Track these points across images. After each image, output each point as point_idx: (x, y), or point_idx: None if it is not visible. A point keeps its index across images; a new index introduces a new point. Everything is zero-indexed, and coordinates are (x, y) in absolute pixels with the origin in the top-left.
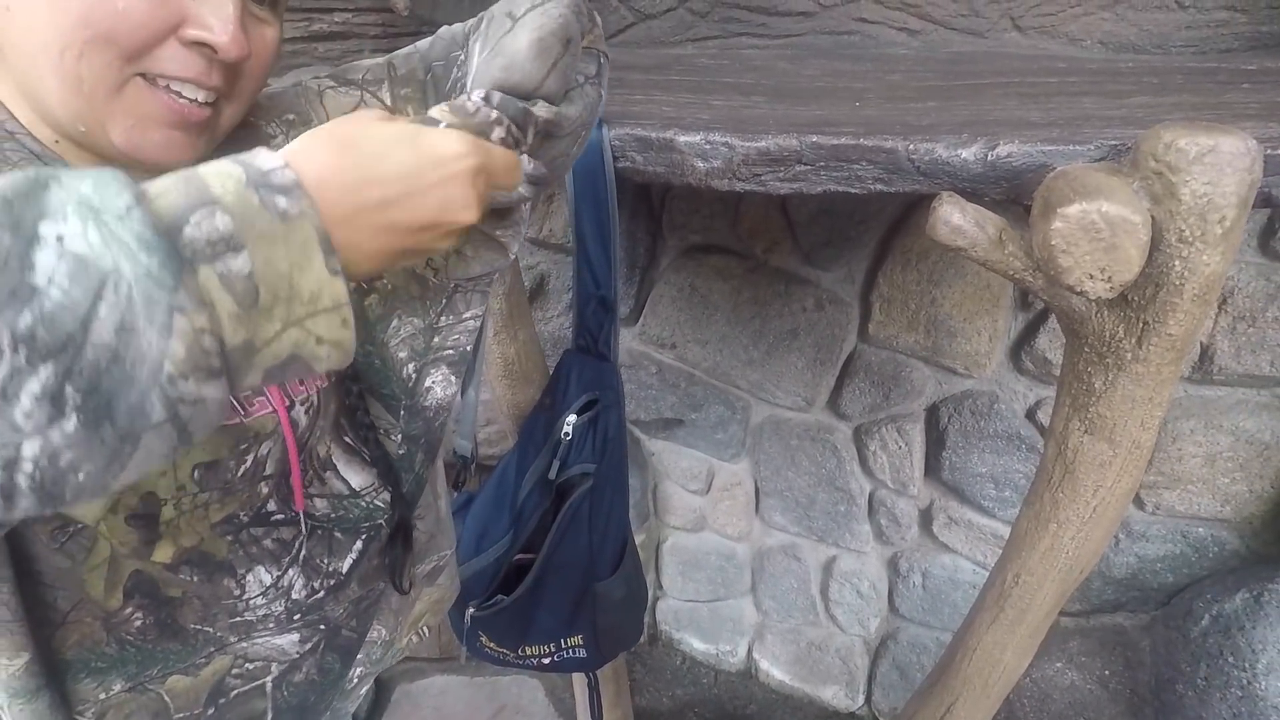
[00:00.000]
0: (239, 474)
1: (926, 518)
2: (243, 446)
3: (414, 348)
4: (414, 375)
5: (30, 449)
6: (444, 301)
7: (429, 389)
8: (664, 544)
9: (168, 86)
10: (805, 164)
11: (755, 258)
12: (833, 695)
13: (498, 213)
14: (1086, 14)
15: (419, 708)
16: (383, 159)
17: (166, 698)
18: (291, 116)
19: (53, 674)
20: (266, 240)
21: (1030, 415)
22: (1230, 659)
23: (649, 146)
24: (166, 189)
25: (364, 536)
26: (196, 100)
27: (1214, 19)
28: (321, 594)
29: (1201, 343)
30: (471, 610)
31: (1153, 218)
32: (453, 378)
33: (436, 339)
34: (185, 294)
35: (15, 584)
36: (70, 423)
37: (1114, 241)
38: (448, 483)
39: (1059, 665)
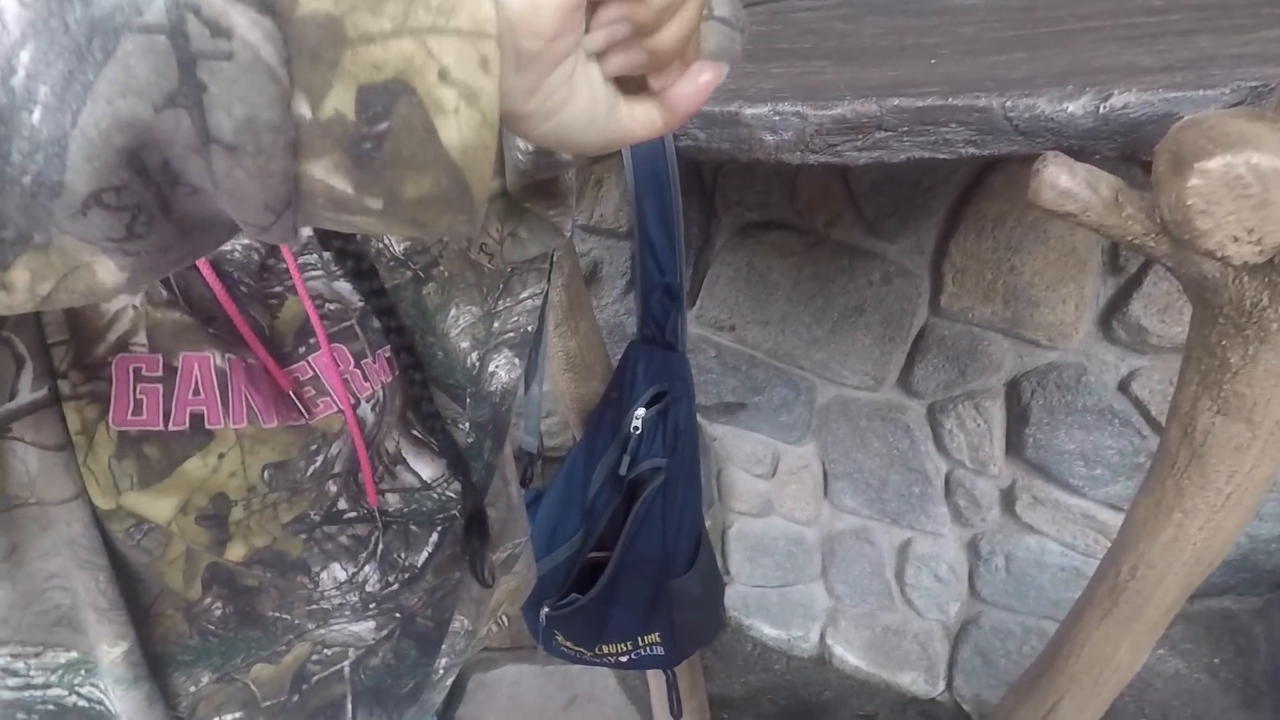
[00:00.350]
0: (308, 474)
1: (1009, 498)
2: (312, 448)
3: (475, 336)
4: (477, 363)
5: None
6: (501, 286)
7: (493, 374)
8: (730, 530)
9: None
10: (887, 130)
11: (815, 232)
12: (911, 681)
13: (549, 194)
14: None
15: (494, 697)
16: None
17: (253, 687)
18: None
19: (150, 665)
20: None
21: (1124, 387)
22: None
23: (712, 122)
24: None
25: (439, 529)
26: None
27: None
28: (396, 587)
29: None
30: (546, 610)
31: None
32: (516, 360)
33: (496, 324)
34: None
35: (111, 572)
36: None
37: (1265, 198)
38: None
39: (1160, 652)
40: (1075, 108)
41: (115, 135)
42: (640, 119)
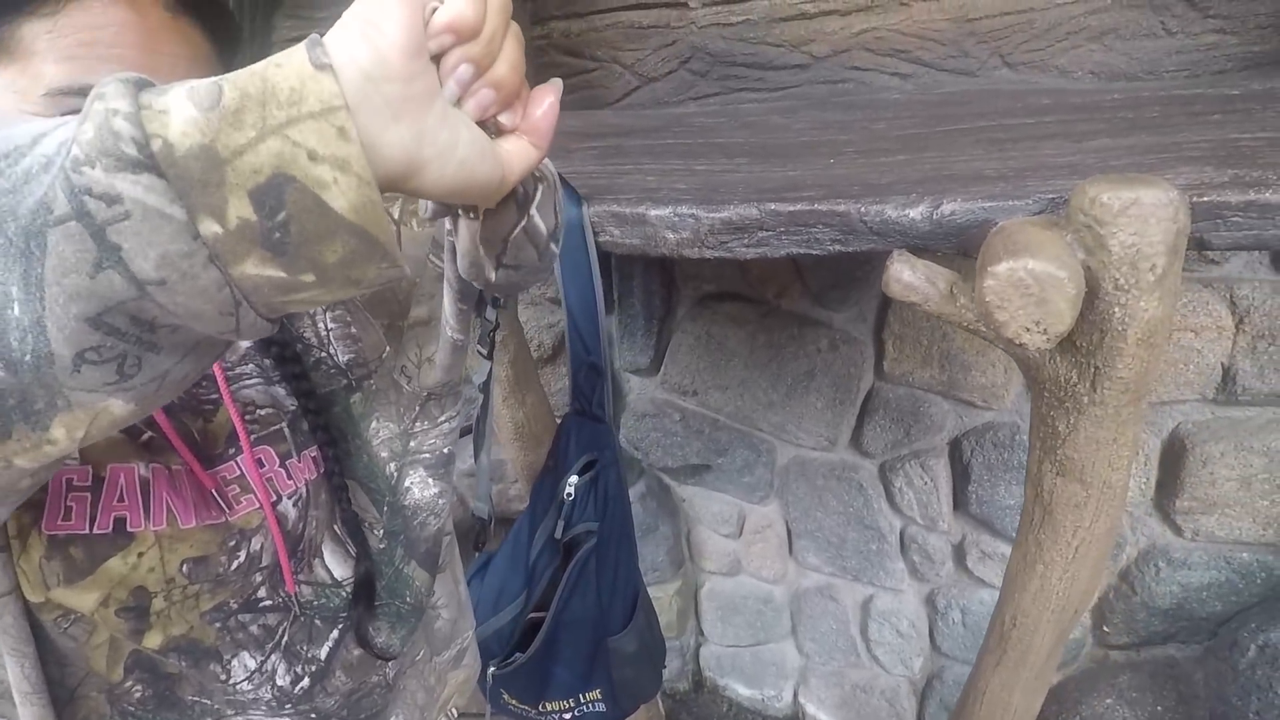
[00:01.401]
0: (231, 568)
1: (960, 553)
2: (231, 544)
3: (393, 449)
4: (395, 474)
5: None
6: (417, 408)
7: (408, 488)
8: (701, 589)
9: None
10: (767, 230)
11: (767, 303)
12: None
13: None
14: (1075, 46)
15: None
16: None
17: None
18: None
19: None
20: (300, 117)
21: None
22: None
23: (624, 221)
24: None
25: (340, 626)
26: None
27: (1203, 42)
28: (306, 682)
29: (1223, 364)
30: (493, 669)
31: (1088, 267)
32: (430, 480)
33: (413, 443)
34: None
35: (36, 659)
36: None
37: (1043, 296)
38: (472, 545)
39: (1109, 701)
40: (915, 213)
41: (72, 306)
42: (516, 153)
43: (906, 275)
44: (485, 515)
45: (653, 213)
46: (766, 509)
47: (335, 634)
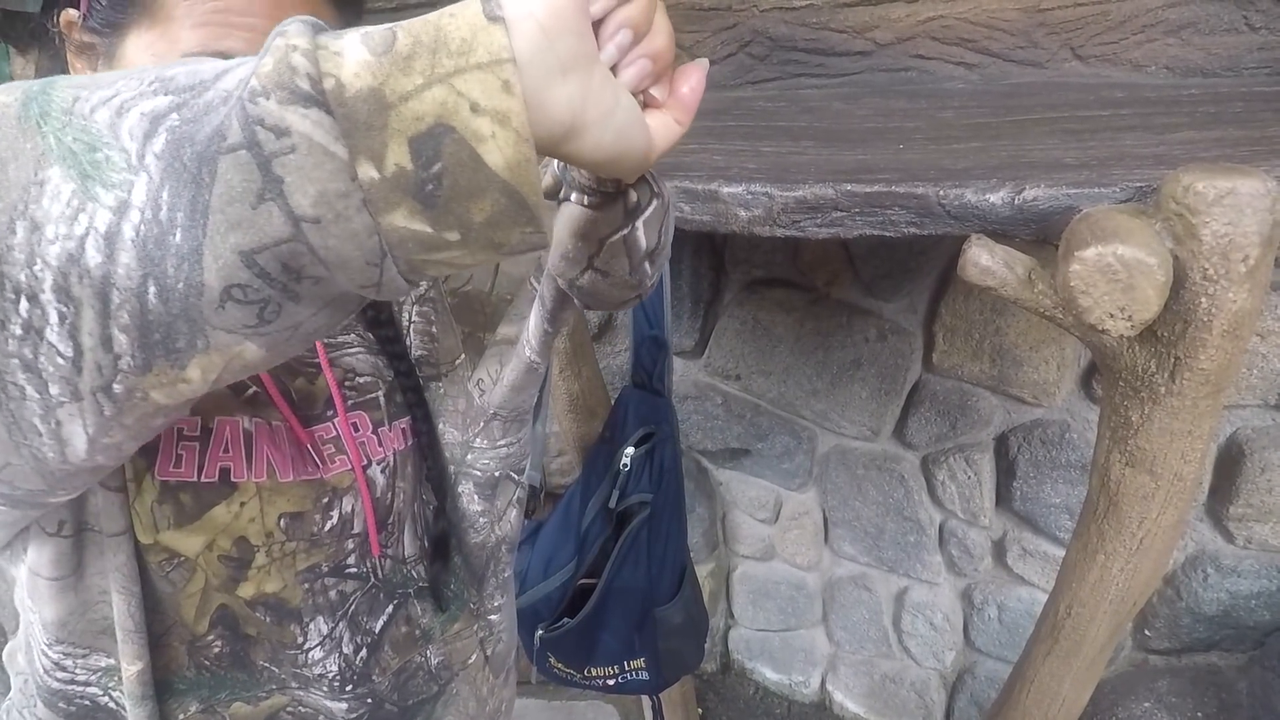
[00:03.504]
0: (325, 529)
1: (1000, 549)
2: (324, 500)
3: (452, 454)
4: (452, 476)
5: (139, 194)
6: (481, 424)
7: (459, 494)
8: (734, 573)
9: None
10: (841, 210)
11: (816, 290)
12: None
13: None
14: (1150, 40)
15: None
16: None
17: None
18: None
19: (155, 687)
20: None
21: None
22: None
23: (696, 198)
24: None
25: (395, 602)
26: None
27: None
28: (365, 654)
29: None
30: (540, 632)
31: (1176, 257)
32: (476, 496)
33: (469, 455)
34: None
35: (140, 599)
36: (159, 141)
37: (1131, 282)
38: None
39: (1147, 705)
40: (995, 198)
41: (230, 236)
42: (661, 128)
43: (985, 259)
44: (537, 484)
45: (725, 190)
46: (804, 496)
47: (390, 608)
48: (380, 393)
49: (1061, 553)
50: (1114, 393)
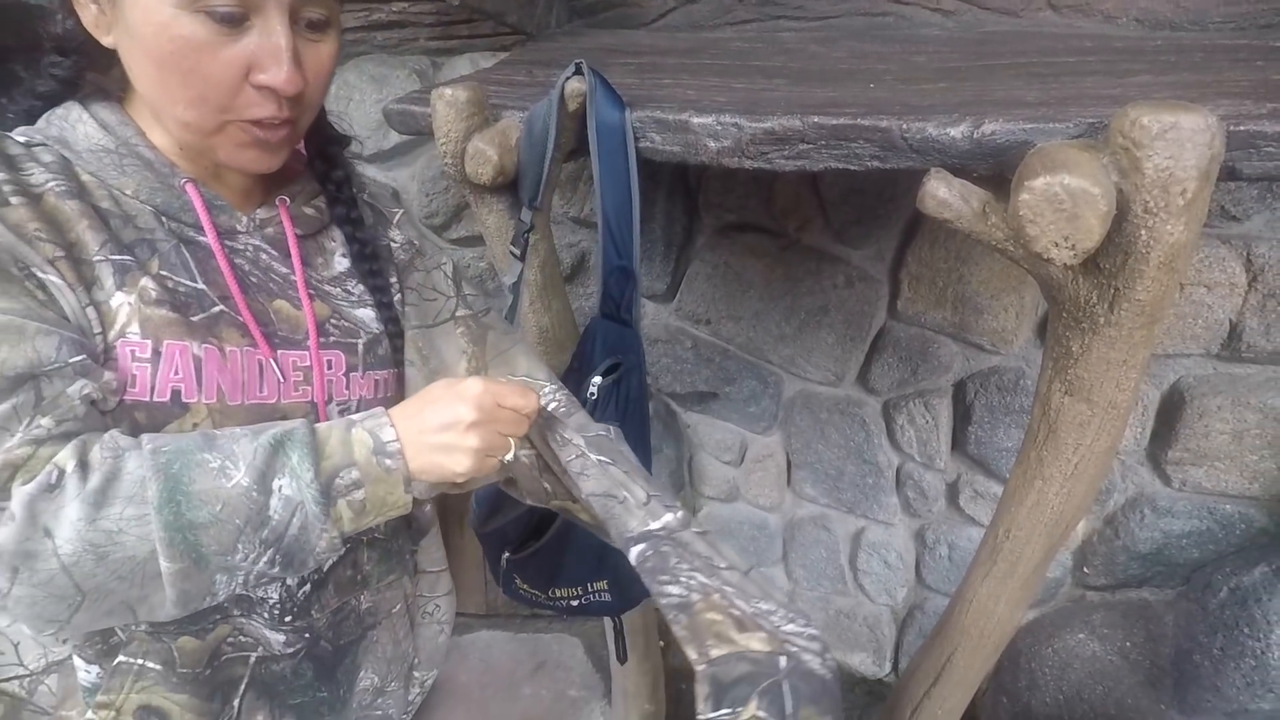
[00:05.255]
0: None
1: (953, 491)
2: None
3: None
4: None
5: (254, 575)
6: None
7: None
8: (699, 513)
9: (252, 122)
10: (808, 143)
11: (788, 236)
12: (860, 662)
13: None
14: None
15: (466, 658)
16: (432, 424)
17: (175, 653)
18: (394, 235)
19: None
20: (375, 481)
21: None
22: (1246, 630)
23: (666, 128)
24: (332, 452)
25: (348, 543)
26: (275, 123)
27: None
28: (308, 588)
29: (1230, 320)
30: (508, 555)
31: (1120, 190)
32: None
33: None
34: (329, 520)
35: None
36: (276, 568)
37: (1075, 212)
38: None
39: (1081, 636)
40: (955, 132)
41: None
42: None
43: (942, 192)
44: None
45: (695, 120)
46: (768, 439)
47: (342, 551)
48: (360, 340)
49: None
50: (1058, 325)
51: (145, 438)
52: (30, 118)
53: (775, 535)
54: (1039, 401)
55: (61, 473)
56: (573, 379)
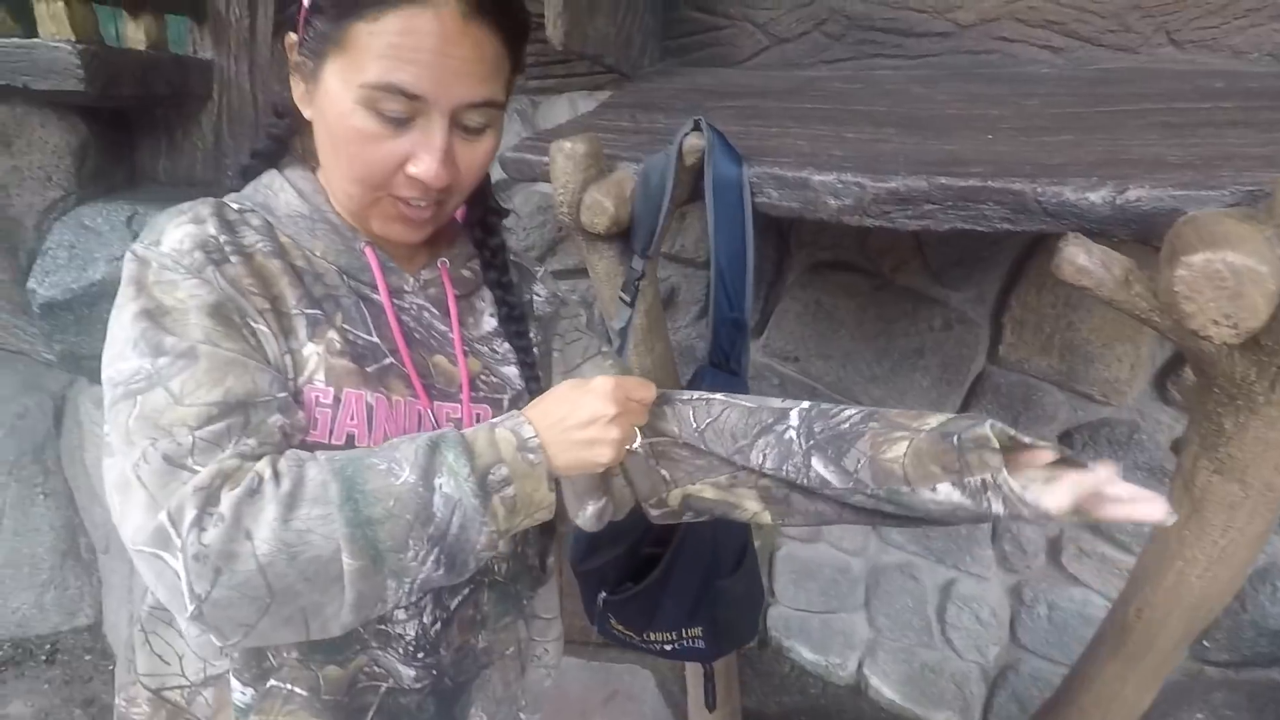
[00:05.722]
0: None
1: (1055, 547)
2: None
3: None
4: None
5: (420, 580)
6: None
7: None
8: (778, 552)
9: (402, 200)
10: (933, 203)
11: (882, 276)
12: None
13: None
14: (1254, 25)
15: None
16: (573, 421)
17: (321, 680)
18: (538, 290)
19: None
20: (523, 477)
21: (1176, 448)
22: None
23: (785, 184)
24: (482, 451)
25: (472, 586)
26: (421, 205)
27: None
28: (439, 626)
29: None
30: (604, 594)
31: None
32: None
33: None
34: (487, 514)
35: None
36: (440, 570)
37: (1239, 290)
38: None
39: (1200, 717)
40: (1096, 197)
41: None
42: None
43: (1081, 259)
44: None
45: (816, 178)
46: None
47: (467, 591)
48: (506, 396)
49: (1121, 556)
50: (1207, 399)
51: (318, 453)
52: (244, 176)
53: (858, 581)
54: (1180, 476)
55: (261, 479)
56: None
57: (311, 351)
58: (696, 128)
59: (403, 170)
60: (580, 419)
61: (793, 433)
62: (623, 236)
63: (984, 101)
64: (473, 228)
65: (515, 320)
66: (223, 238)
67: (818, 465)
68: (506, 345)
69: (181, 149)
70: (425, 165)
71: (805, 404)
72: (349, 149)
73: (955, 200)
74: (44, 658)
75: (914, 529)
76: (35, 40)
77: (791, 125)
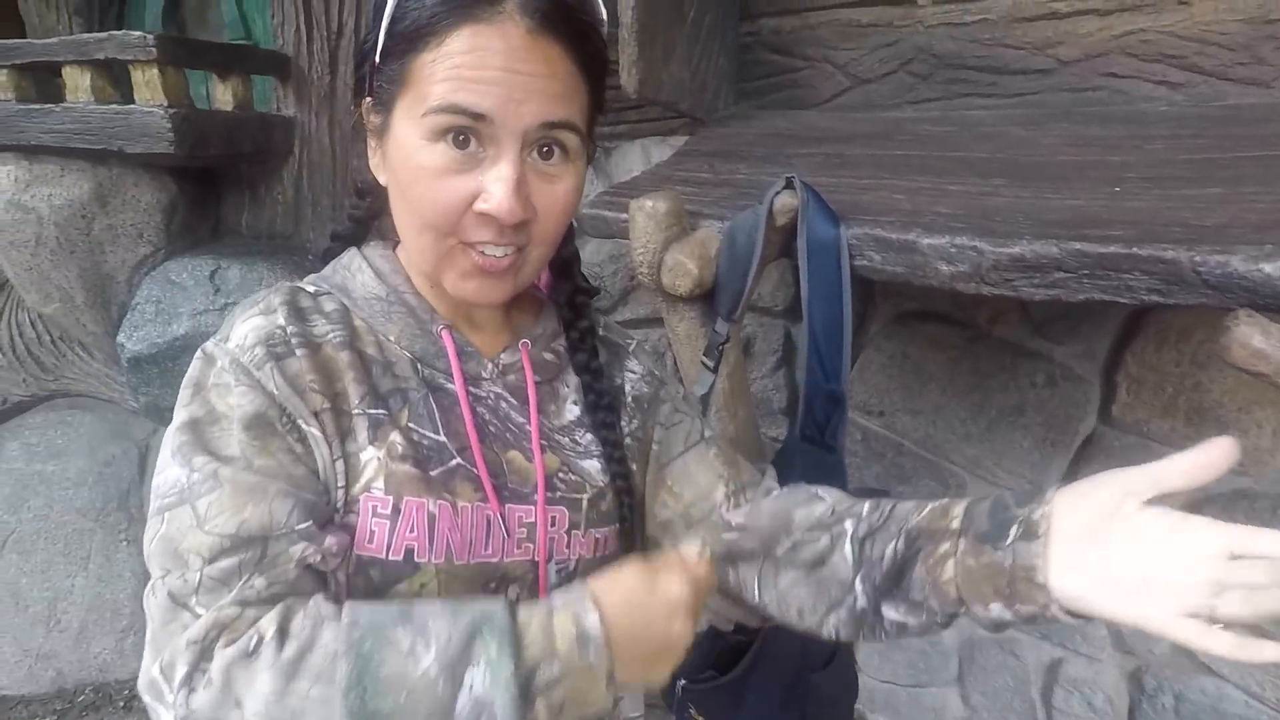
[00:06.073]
0: None
1: None
2: (492, 585)
3: None
4: None
5: None
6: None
7: None
8: None
9: (476, 248)
10: (1066, 271)
11: (977, 327)
12: None
13: None
14: None
15: None
16: (647, 624)
17: None
18: (632, 367)
19: None
20: (576, 674)
21: None
22: None
23: (888, 247)
24: (534, 639)
25: None
26: (497, 255)
27: None
28: None
29: None
30: (683, 682)
31: None
32: None
33: None
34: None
35: None
36: None
37: None
38: None
39: None
40: (1272, 268)
41: None
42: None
43: (1256, 340)
44: None
45: (925, 241)
46: None
47: None
48: (585, 496)
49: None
50: None
51: (346, 607)
52: (325, 259)
53: (950, 653)
54: None
55: (261, 639)
56: None
57: (371, 457)
58: (789, 185)
59: (473, 209)
60: (653, 635)
61: (860, 599)
62: (705, 298)
63: (1098, 145)
64: (560, 307)
65: (603, 409)
66: (290, 329)
67: (889, 612)
68: (590, 436)
69: (263, 203)
70: (495, 198)
71: (849, 529)
72: (416, 190)
73: (1093, 269)
74: (122, 704)
75: None
76: (131, 106)
77: (884, 176)
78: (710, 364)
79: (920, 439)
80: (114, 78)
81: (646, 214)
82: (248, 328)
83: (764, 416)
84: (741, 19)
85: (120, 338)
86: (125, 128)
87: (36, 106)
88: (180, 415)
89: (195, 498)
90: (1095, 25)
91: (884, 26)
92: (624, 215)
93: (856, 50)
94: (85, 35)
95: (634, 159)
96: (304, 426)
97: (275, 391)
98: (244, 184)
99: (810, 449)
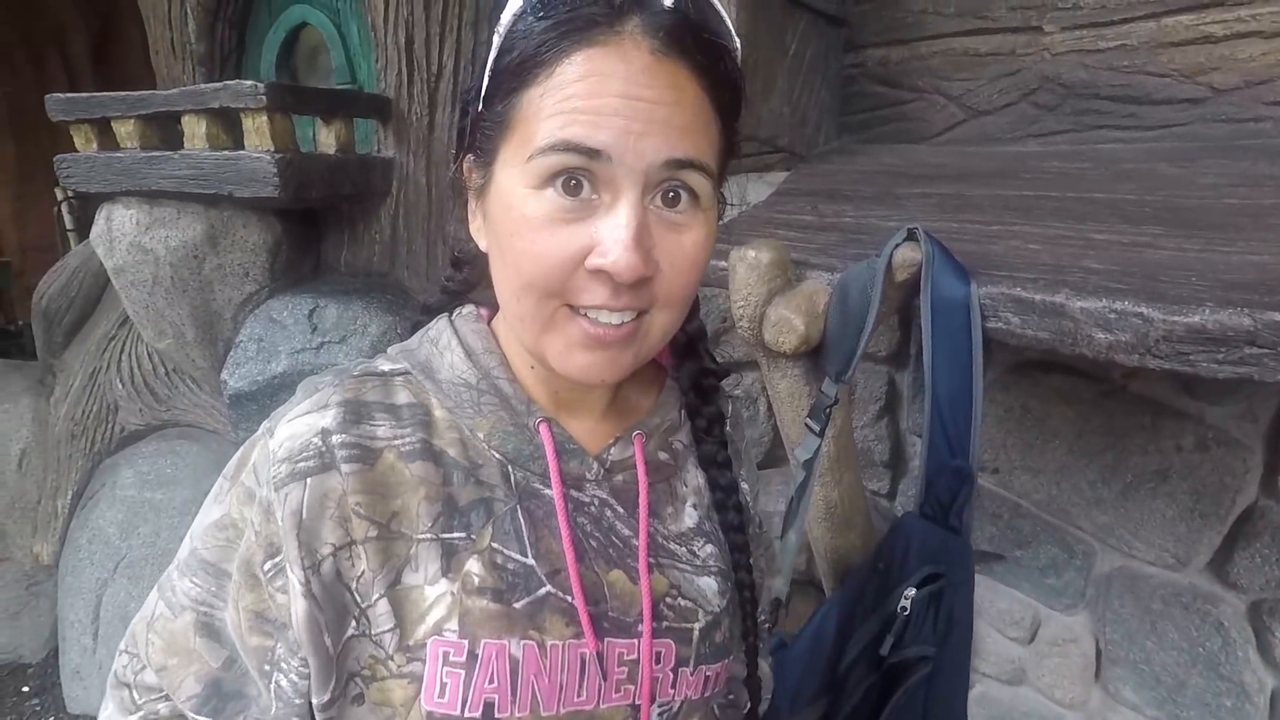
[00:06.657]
0: None
1: None
2: None
3: None
4: None
5: None
6: None
7: None
8: (970, 690)
9: (585, 314)
10: (1262, 347)
11: (1111, 381)
12: None
13: None
14: None
15: None
16: None
17: None
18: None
19: None
20: None
21: None
22: None
23: (1030, 309)
24: None
25: None
26: (613, 322)
27: None
28: None
29: None
30: None
31: None
32: None
33: None
34: None
35: None
36: None
37: None
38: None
39: None
40: None
41: None
42: None
43: None
44: (783, 597)
45: (1076, 304)
46: (1071, 620)
47: None
48: (697, 625)
49: None
50: None
51: None
52: (414, 330)
53: None
54: None
55: None
56: (875, 582)
57: (442, 592)
58: (910, 236)
59: (584, 267)
60: None
61: None
62: (811, 354)
63: (1271, 186)
64: (685, 392)
65: (731, 509)
66: (338, 438)
67: None
68: (710, 549)
69: (361, 241)
70: (611, 250)
71: None
72: (517, 245)
73: None
74: None
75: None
76: (240, 152)
77: (1013, 220)
78: (815, 428)
79: (1041, 501)
80: (227, 125)
81: (749, 265)
82: (290, 430)
83: (865, 469)
84: (846, 49)
85: (224, 374)
86: (235, 172)
87: (157, 154)
88: (209, 504)
89: (166, 602)
90: (1258, 49)
91: (1005, 55)
92: (722, 263)
93: (973, 80)
94: (203, 85)
95: (730, 196)
96: (290, 574)
97: (279, 525)
98: (344, 223)
99: (929, 528)
